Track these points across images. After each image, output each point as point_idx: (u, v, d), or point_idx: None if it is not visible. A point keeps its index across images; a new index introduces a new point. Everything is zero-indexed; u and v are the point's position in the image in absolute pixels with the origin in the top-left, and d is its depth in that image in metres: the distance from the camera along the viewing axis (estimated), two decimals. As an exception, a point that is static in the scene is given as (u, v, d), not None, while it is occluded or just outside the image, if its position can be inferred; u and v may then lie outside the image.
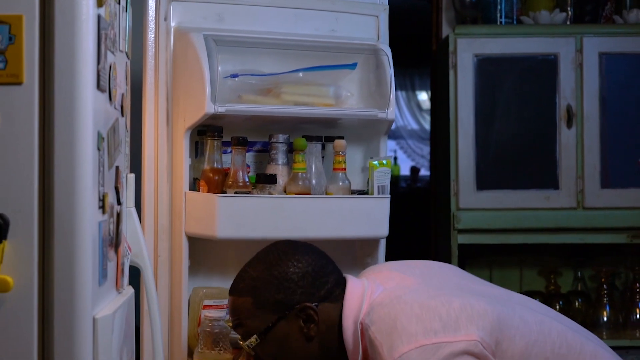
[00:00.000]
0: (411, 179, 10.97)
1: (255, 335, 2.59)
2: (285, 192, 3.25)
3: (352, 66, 3.43)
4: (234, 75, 3.29)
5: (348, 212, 3.23)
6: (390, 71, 3.34)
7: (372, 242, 3.43)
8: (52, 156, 2.02)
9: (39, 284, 2.03)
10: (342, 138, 3.32)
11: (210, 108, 3.10)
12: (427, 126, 10.30)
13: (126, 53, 2.55)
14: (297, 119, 3.33)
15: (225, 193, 3.15)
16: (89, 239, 2.05)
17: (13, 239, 2.01)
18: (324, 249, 3.49)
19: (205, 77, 3.10)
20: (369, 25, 3.46)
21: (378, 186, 3.29)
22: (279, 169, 3.27)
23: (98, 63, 2.11)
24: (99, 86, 2.12)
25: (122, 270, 2.47)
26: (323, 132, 3.40)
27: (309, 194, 3.24)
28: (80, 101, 2.03)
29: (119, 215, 2.40)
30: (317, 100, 3.35)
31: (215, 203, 3.10)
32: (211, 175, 3.19)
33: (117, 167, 2.37)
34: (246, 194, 3.15)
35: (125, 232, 2.51)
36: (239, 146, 3.19)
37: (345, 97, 3.39)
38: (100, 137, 2.14)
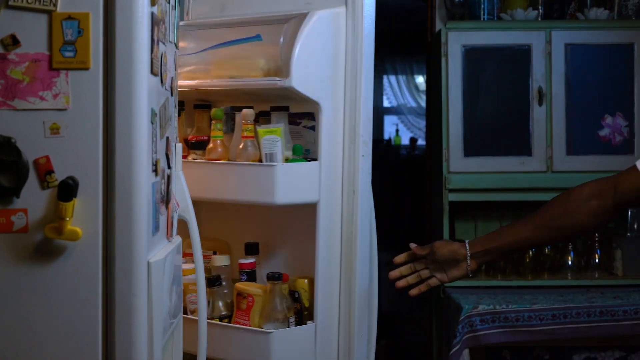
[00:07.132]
0: (410, 148, 10.92)
1: None
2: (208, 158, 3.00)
3: (257, 38, 2.99)
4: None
5: (239, 177, 2.89)
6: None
7: (307, 208, 2.91)
8: (114, 129, 2.02)
9: (102, 234, 2.03)
10: (251, 108, 2.95)
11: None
12: (423, 104, 10.24)
13: (175, 44, 2.54)
14: (226, 91, 3.07)
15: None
16: (144, 197, 2.05)
17: (82, 196, 2.01)
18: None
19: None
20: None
21: (266, 154, 2.84)
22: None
23: (151, 52, 2.10)
24: (152, 71, 2.11)
25: (172, 222, 2.47)
26: (259, 104, 3.03)
27: (226, 160, 2.98)
28: (136, 83, 2.03)
29: (169, 177, 2.39)
30: (246, 72, 2.98)
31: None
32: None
33: (167, 138, 2.37)
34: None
35: (174, 191, 2.51)
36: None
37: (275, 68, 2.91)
38: (153, 113, 2.14)
